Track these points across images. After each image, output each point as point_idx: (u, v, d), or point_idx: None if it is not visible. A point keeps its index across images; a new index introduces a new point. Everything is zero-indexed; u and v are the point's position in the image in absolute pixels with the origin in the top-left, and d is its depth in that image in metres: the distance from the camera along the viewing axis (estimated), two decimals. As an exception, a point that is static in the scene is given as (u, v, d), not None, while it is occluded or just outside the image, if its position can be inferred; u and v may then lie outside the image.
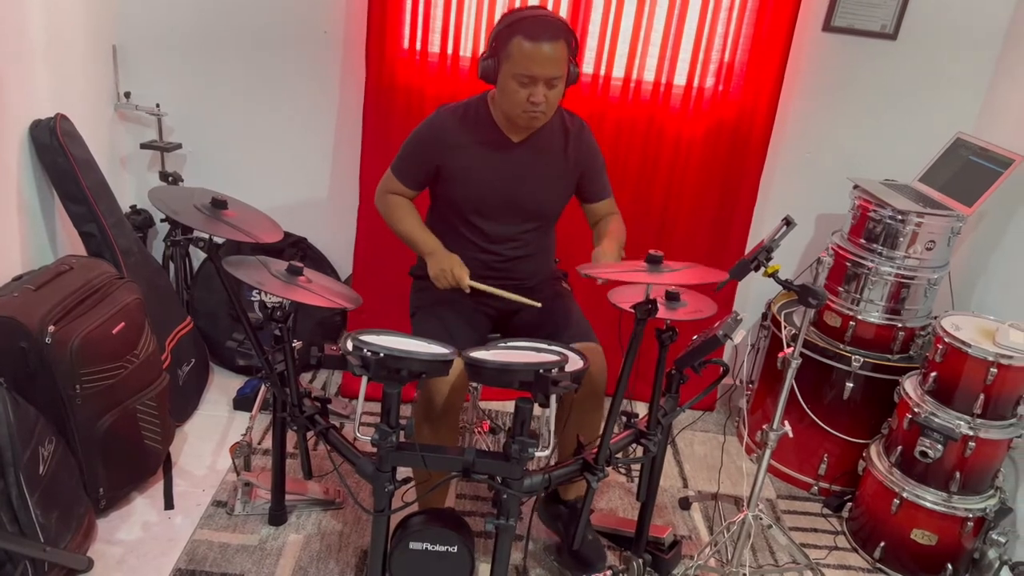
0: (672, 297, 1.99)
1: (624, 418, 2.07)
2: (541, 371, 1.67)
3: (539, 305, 2.13)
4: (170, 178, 3.04)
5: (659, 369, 2.00)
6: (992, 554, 2.49)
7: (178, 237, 3.03)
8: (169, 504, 2.44)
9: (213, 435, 2.80)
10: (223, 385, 3.08)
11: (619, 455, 2.01)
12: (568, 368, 1.74)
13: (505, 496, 1.77)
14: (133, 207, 3.14)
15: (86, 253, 2.64)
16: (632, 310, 1.81)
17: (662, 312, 1.89)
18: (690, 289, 2.09)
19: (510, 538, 1.85)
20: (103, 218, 2.60)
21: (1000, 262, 2.82)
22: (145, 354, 2.40)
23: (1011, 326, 2.39)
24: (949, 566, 2.45)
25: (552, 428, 1.76)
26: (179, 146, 3.11)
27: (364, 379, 1.72)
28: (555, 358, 1.75)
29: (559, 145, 2.23)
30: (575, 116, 2.28)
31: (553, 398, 1.70)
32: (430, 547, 1.85)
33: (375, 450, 1.79)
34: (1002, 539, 2.44)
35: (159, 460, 2.52)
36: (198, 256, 3.25)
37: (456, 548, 1.86)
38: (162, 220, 3.14)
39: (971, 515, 2.39)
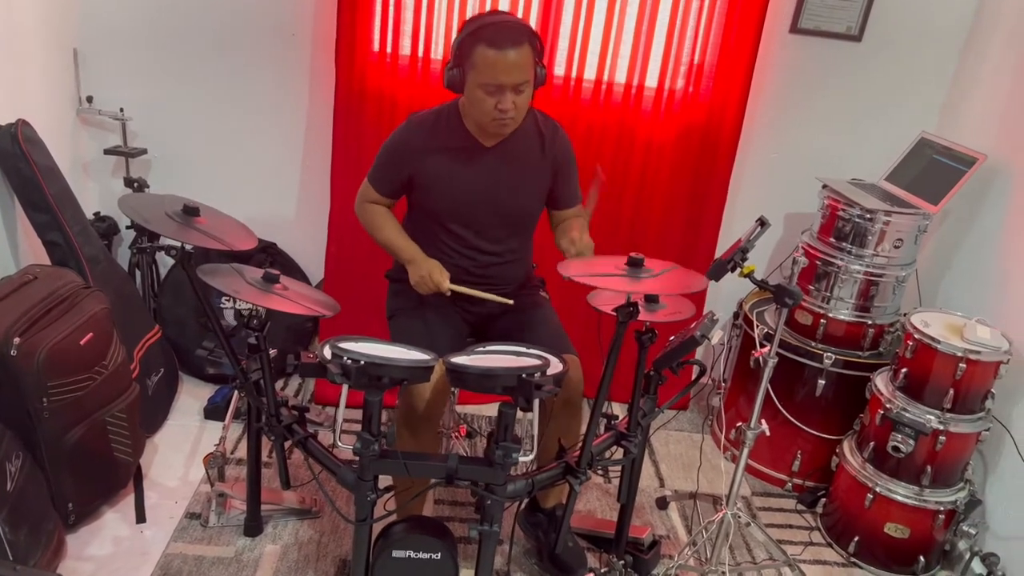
0: (651, 299, 2.00)
1: (604, 420, 2.08)
2: (524, 375, 1.66)
3: (511, 302, 2.13)
4: (135, 184, 2.98)
5: (639, 370, 2.01)
6: (963, 545, 2.54)
7: (144, 244, 2.97)
8: (141, 517, 2.39)
9: (184, 445, 2.75)
10: (193, 394, 3.02)
11: (600, 457, 2.02)
12: (549, 372, 1.74)
13: (489, 502, 1.76)
14: (97, 214, 3.07)
15: (50, 262, 2.57)
16: (614, 313, 1.81)
17: (642, 314, 1.89)
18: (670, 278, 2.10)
19: (494, 544, 1.84)
20: (67, 226, 2.54)
21: (964, 259, 2.88)
22: (114, 364, 2.34)
23: (978, 322, 2.45)
24: (921, 558, 2.50)
25: (536, 433, 1.75)
26: (144, 151, 3.05)
27: (345, 387, 1.69)
28: (537, 362, 1.74)
29: (534, 148, 2.23)
30: (549, 118, 2.28)
31: (536, 402, 1.70)
32: (413, 555, 1.84)
33: (353, 458, 1.76)
34: (972, 530, 2.49)
35: (129, 473, 2.47)
36: (165, 263, 3.19)
37: (440, 555, 1.84)
38: (128, 227, 3.08)
39: (942, 508, 2.44)
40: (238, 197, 3.13)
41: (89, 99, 2.95)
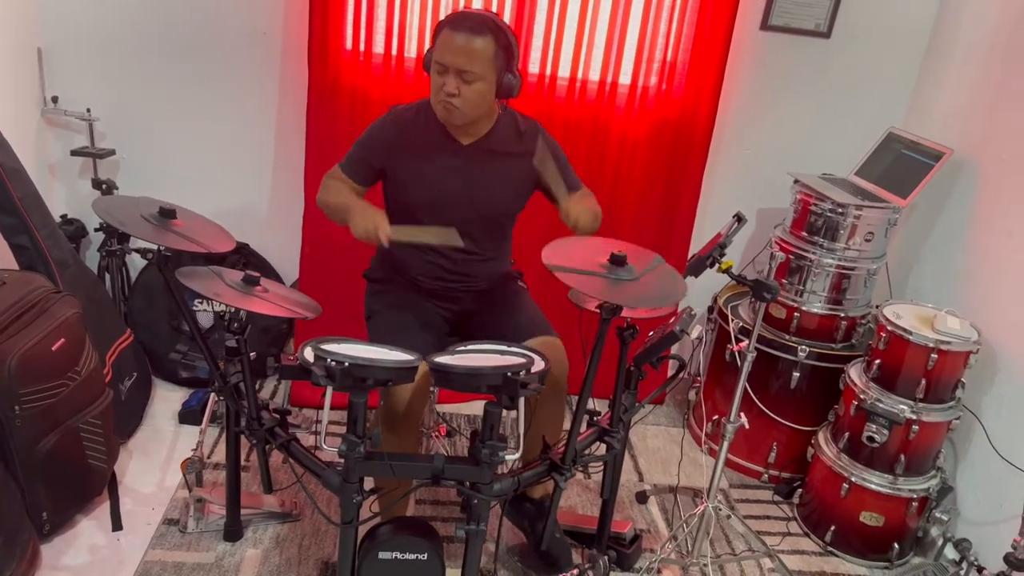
0: (633, 295, 2.01)
1: (587, 416, 2.09)
2: (509, 374, 1.66)
3: (461, 244, 2.04)
4: (104, 186, 2.92)
5: (620, 366, 2.02)
6: (935, 531, 2.60)
7: (114, 247, 2.92)
8: (117, 525, 2.35)
9: (159, 451, 2.71)
10: (167, 399, 2.98)
11: (583, 454, 2.03)
12: (533, 370, 1.74)
13: (476, 501, 1.76)
14: (64, 216, 3.01)
15: (18, 266, 2.51)
16: (597, 310, 1.82)
17: (623, 311, 1.90)
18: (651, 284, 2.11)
19: (480, 543, 1.84)
20: (35, 230, 2.48)
21: (932, 251, 2.94)
22: (87, 370, 2.30)
23: (947, 313, 2.50)
24: (896, 545, 2.55)
25: (522, 431, 1.75)
26: (112, 152, 2.99)
27: (329, 389, 1.68)
28: (521, 360, 1.75)
29: (513, 147, 2.22)
30: (528, 119, 2.28)
31: (521, 400, 1.70)
32: (400, 556, 1.83)
33: (336, 460, 1.75)
34: (944, 517, 2.55)
35: (104, 480, 2.43)
36: (135, 266, 3.14)
37: (426, 555, 1.84)
38: (96, 229, 3.02)
39: (915, 495, 2.49)
40: (209, 198, 3.08)
41: (54, 99, 2.89)
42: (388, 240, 1.97)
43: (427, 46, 2.11)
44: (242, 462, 2.39)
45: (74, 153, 2.93)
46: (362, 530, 1.88)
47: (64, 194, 3.08)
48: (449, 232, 2.03)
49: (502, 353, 1.88)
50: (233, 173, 3.14)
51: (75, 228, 2.99)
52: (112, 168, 3.06)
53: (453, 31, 1.99)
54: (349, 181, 2.21)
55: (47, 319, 2.21)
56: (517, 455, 1.79)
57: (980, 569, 2.36)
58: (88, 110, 2.90)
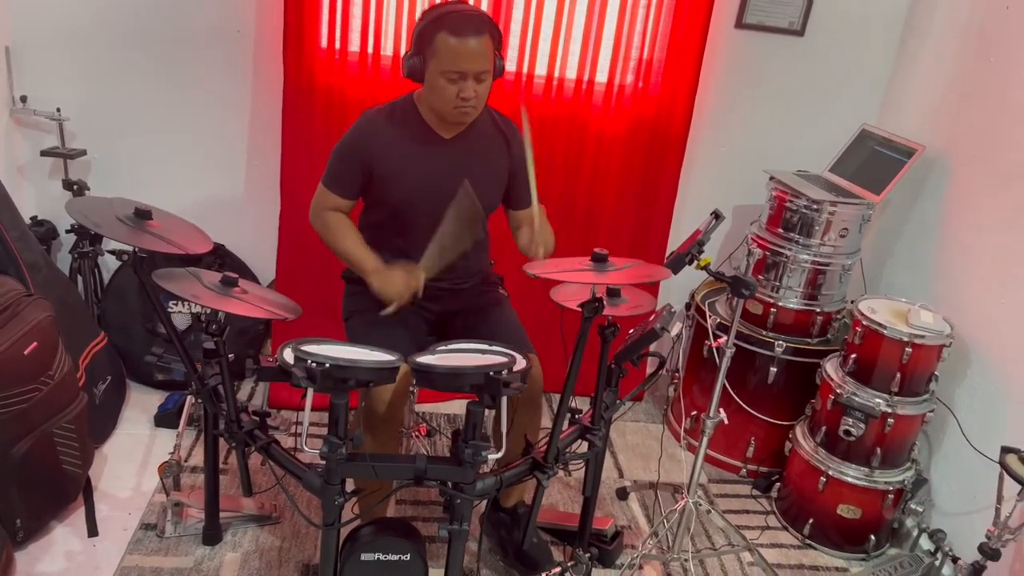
0: (613, 293, 2.02)
1: (568, 414, 2.09)
2: (492, 373, 1.66)
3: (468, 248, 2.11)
4: (75, 187, 2.87)
5: (602, 364, 2.03)
6: (910, 523, 2.64)
7: (86, 249, 2.87)
8: (93, 531, 2.31)
9: (135, 455, 2.67)
10: (142, 402, 2.93)
11: (565, 452, 2.03)
12: (515, 368, 1.74)
13: (459, 501, 1.76)
14: (34, 218, 2.96)
15: (-13, 270, 2.47)
16: (580, 308, 1.82)
17: (604, 309, 1.91)
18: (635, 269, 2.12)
19: (463, 543, 1.84)
20: (5, 232, 2.44)
21: (905, 246, 2.98)
22: (60, 374, 2.26)
23: (921, 307, 2.54)
24: (872, 537, 2.59)
25: (505, 430, 1.75)
26: (83, 152, 2.94)
27: (310, 391, 1.67)
28: (504, 359, 1.74)
29: (492, 141, 2.23)
30: (505, 116, 2.28)
31: (505, 400, 1.70)
32: (382, 557, 1.82)
33: (316, 462, 1.74)
34: (919, 508, 2.58)
35: (79, 485, 2.39)
36: (107, 268, 3.09)
37: (409, 556, 1.83)
38: (67, 231, 2.97)
39: (891, 488, 2.52)
40: (183, 198, 3.05)
41: (23, 99, 2.84)
42: (422, 288, 2.05)
43: (405, 48, 2.09)
44: (220, 465, 2.37)
45: (44, 153, 2.87)
46: (343, 532, 1.87)
47: (34, 195, 3.02)
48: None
49: (484, 352, 1.88)
50: (207, 173, 3.11)
51: (46, 230, 2.94)
52: (83, 169, 3.01)
53: (459, 37, 1.96)
54: (339, 200, 2.20)
55: (19, 323, 2.17)
56: (499, 454, 1.79)
57: (955, 559, 2.40)
58: (58, 110, 2.85)
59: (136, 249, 1.83)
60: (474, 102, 2.04)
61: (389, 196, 2.18)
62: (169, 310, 2.96)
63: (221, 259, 3.12)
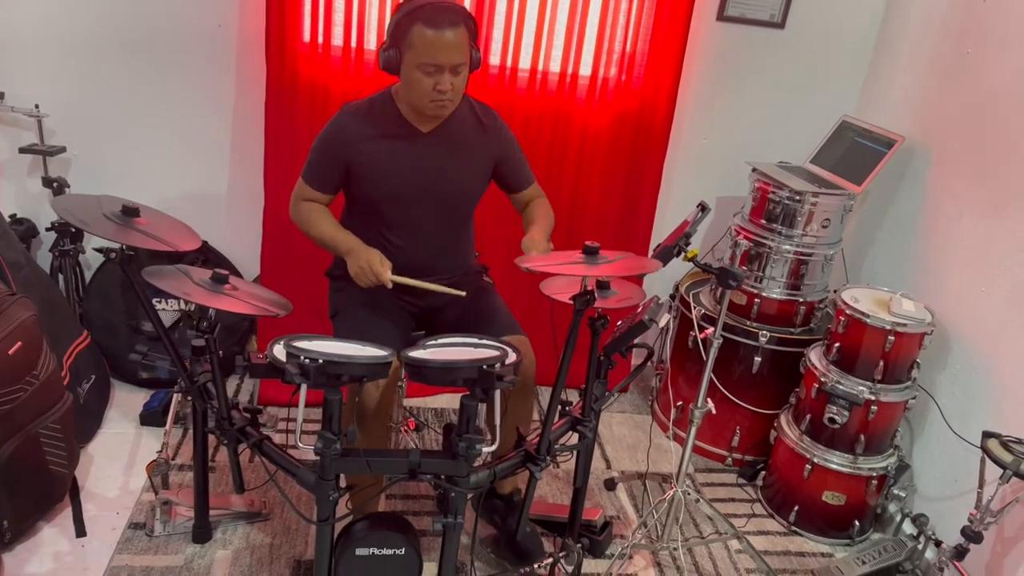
0: (603, 286, 2.03)
1: (559, 406, 2.10)
2: (484, 367, 1.67)
3: (463, 294, 2.09)
4: (55, 184, 2.84)
5: (592, 356, 2.04)
6: (893, 508, 2.68)
7: (67, 247, 2.84)
8: (81, 531, 2.30)
9: (121, 454, 2.65)
10: (126, 400, 2.91)
11: (556, 444, 2.04)
12: (508, 362, 1.75)
13: (453, 494, 1.77)
14: (14, 216, 2.92)
15: (-32, 269, 2.44)
16: (571, 301, 1.83)
17: (596, 301, 1.92)
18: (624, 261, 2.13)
19: (458, 536, 1.85)
20: (-14, 230, 2.41)
21: (886, 236, 3.02)
22: (45, 374, 2.24)
23: (902, 296, 2.57)
24: (856, 523, 2.63)
25: (498, 423, 1.76)
26: (63, 149, 2.90)
27: (304, 387, 1.66)
28: (496, 353, 1.75)
29: (471, 133, 2.22)
30: (485, 105, 2.28)
31: (497, 393, 1.71)
32: (377, 552, 1.83)
33: (309, 458, 1.74)
34: (902, 493, 2.63)
35: (65, 485, 2.37)
36: (89, 266, 3.06)
37: (403, 550, 1.84)
38: (47, 229, 2.93)
39: (875, 474, 2.56)
40: (165, 194, 3.03)
41: (1, 95, 2.79)
42: (390, 285, 2.03)
43: (383, 40, 2.08)
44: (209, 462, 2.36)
45: (23, 151, 2.83)
46: (337, 527, 1.87)
47: (13, 193, 2.98)
48: (450, 286, 2.08)
49: (475, 346, 1.89)
50: (189, 169, 3.08)
51: (26, 228, 2.90)
52: (63, 166, 2.97)
53: (435, 29, 1.95)
54: (317, 194, 2.20)
55: (2, 322, 2.14)
56: (493, 447, 1.80)
57: (938, 543, 2.45)
58: (37, 106, 2.81)
59: (124, 247, 1.82)
60: (451, 95, 2.03)
61: (369, 192, 2.17)
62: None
63: (205, 255, 3.10)
